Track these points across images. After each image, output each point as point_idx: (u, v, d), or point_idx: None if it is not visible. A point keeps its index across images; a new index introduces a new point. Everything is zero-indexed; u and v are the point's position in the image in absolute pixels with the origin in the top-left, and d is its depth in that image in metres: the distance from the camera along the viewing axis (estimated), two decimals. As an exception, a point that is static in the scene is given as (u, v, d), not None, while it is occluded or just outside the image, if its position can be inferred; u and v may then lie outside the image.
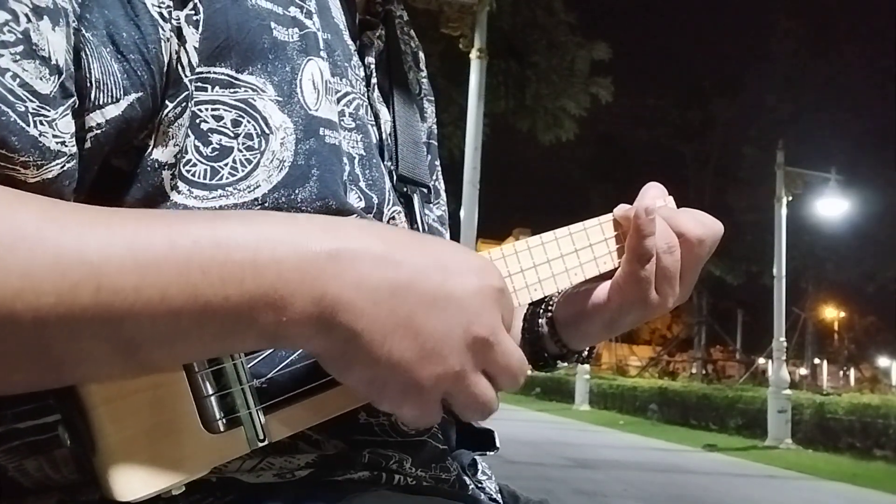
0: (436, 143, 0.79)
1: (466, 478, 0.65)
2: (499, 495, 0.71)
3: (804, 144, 23.28)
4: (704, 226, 0.67)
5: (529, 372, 0.77)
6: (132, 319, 0.39)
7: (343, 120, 0.59)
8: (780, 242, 11.62)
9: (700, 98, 30.74)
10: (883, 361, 38.02)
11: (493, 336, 0.46)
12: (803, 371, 32.27)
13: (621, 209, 0.68)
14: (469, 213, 6.53)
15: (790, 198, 11.80)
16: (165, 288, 0.40)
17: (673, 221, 0.66)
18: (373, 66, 0.66)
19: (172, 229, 0.41)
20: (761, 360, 26.38)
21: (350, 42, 0.63)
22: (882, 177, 25.40)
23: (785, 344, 11.56)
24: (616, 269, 0.67)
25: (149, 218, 0.43)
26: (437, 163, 0.78)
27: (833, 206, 12.90)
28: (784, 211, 11.71)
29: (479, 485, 0.69)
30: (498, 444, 0.73)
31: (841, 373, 36.59)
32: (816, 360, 35.11)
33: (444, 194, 0.79)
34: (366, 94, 0.64)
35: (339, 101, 0.59)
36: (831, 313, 38.02)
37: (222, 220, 0.44)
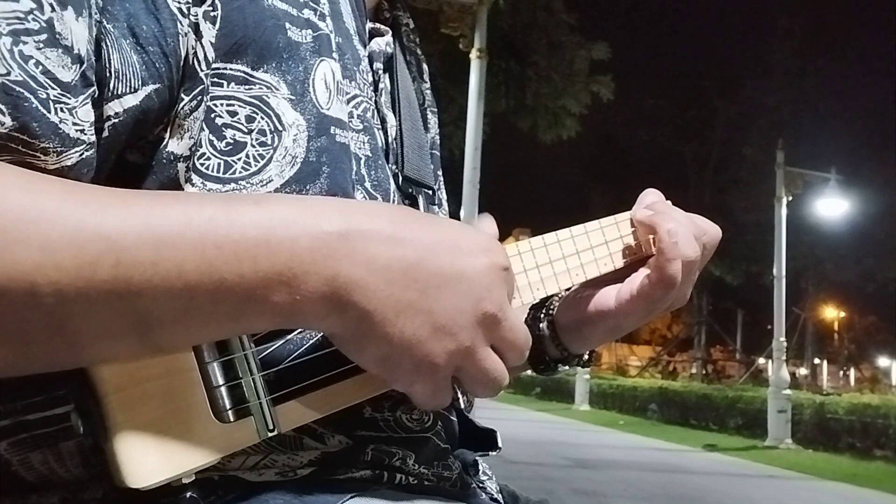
0: (438, 154, 0.80)
1: (468, 477, 0.65)
2: (500, 495, 0.71)
3: (804, 144, 23.28)
4: (702, 230, 0.69)
5: (529, 373, 0.78)
6: (149, 294, 0.40)
7: (351, 121, 0.59)
8: (780, 242, 11.63)
9: (700, 98, 30.68)
10: (883, 361, 38.05)
11: (501, 312, 0.48)
12: (803, 371, 32.28)
13: (625, 215, 0.69)
14: (469, 213, 6.52)
15: (790, 198, 11.82)
16: (182, 263, 0.41)
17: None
18: (381, 72, 0.67)
19: (188, 207, 0.42)
20: (761, 360, 26.38)
21: (360, 47, 0.64)
22: (882, 177, 25.45)
23: (785, 344, 11.57)
24: (615, 271, 0.68)
25: (165, 197, 0.44)
26: (440, 173, 0.79)
27: (833, 206, 12.91)
28: (784, 211, 11.72)
29: (481, 484, 0.69)
30: (500, 444, 0.73)
31: (841, 373, 36.62)
32: (816, 360, 35.15)
33: (446, 205, 0.80)
34: (373, 99, 0.64)
35: (348, 102, 0.59)
36: (831, 313, 38.03)
37: (236, 200, 0.45)
